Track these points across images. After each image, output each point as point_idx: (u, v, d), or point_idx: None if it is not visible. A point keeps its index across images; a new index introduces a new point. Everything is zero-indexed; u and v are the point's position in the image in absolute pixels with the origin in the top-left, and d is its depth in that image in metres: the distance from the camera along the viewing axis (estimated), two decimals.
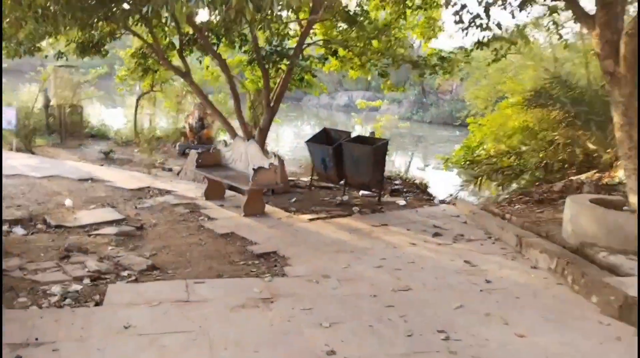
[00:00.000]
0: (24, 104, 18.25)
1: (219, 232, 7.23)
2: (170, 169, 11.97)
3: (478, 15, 8.61)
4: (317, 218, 8.34)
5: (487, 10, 8.46)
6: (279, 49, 9.49)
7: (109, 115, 19.65)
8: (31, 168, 10.43)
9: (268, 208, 8.57)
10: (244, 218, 7.98)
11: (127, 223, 7.38)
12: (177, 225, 7.59)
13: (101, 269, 5.59)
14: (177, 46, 11.55)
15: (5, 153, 11.81)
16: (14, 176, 9.60)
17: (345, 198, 9.99)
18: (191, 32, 10.88)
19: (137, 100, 15.28)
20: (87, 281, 5.29)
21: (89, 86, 17.30)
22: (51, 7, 8.11)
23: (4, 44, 11.52)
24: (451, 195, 10.97)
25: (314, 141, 10.43)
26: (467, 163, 10.84)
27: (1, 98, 14.28)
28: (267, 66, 10.12)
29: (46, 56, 11.53)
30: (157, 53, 10.85)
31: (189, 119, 14.33)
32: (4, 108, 12.59)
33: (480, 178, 10.70)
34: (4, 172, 9.78)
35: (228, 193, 9.09)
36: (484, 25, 8.65)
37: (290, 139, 24.06)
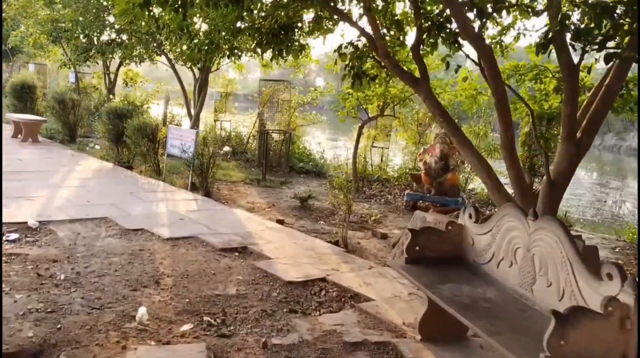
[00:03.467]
0: (247, 131, 15.98)
1: None
2: (384, 237, 7.35)
3: None
4: None
5: None
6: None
7: (333, 146, 16.14)
8: (174, 218, 6.90)
9: None
10: None
11: None
12: None
13: None
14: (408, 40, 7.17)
15: (171, 192, 8.69)
16: (134, 233, 6.09)
17: None
18: (437, 10, 6.29)
19: (360, 128, 11.22)
20: None
21: (310, 110, 13.93)
22: None
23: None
24: None
25: None
26: None
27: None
28: (582, 49, 4.71)
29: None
30: (377, 47, 6.40)
31: (425, 155, 9.61)
32: (182, 131, 9.67)
33: None
34: (133, 225, 6.39)
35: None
36: None
37: (587, 194, 17.17)
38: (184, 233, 6.20)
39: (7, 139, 12.73)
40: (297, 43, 7.09)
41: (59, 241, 5.63)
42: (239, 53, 7.58)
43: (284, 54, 7.14)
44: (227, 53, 7.23)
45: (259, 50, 7.20)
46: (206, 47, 7.59)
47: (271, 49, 6.95)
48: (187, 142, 9.09)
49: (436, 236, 4.16)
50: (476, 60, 5.75)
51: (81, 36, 14.15)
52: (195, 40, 7.86)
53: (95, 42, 15.14)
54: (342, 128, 23.38)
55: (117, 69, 18.22)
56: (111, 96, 17.57)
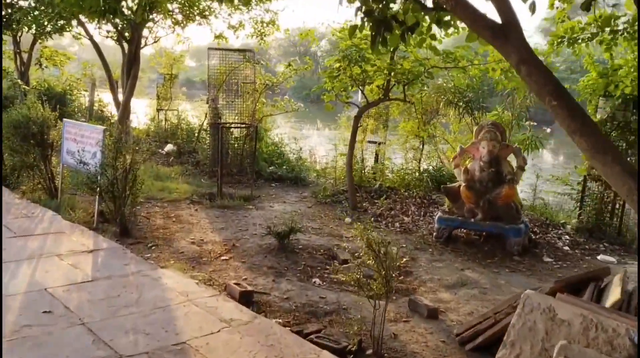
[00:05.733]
0: (195, 125, 12.45)
1: None
2: (432, 315, 4.06)
3: None
4: None
5: None
6: None
7: (316, 143, 12.61)
8: (33, 309, 3.43)
9: None
10: None
11: None
12: None
13: None
14: None
15: (57, 233, 5.17)
16: None
17: None
18: None
19: (357, 118, 7.88)
20: None
21: (279, 94, 10.45)
22: None
23: None
24: None
25: None
26: None
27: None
28: None
29: None
30: None
31: (462, 158, 6.36)
32: (82, 128, 6.10)
33: None
34: None
35: None
36: None
37: None
38: None
39: None
40: None
41: None
42: None
43: None
44: None
45: None
46: None
47: None
48: (89, 146, 5.58)
49: None
50: None
51: None
52: None
53: None
54: (306, 116, 19.79)
55: (31, 47, 14.37)
56: (20, 82, 13.70)
